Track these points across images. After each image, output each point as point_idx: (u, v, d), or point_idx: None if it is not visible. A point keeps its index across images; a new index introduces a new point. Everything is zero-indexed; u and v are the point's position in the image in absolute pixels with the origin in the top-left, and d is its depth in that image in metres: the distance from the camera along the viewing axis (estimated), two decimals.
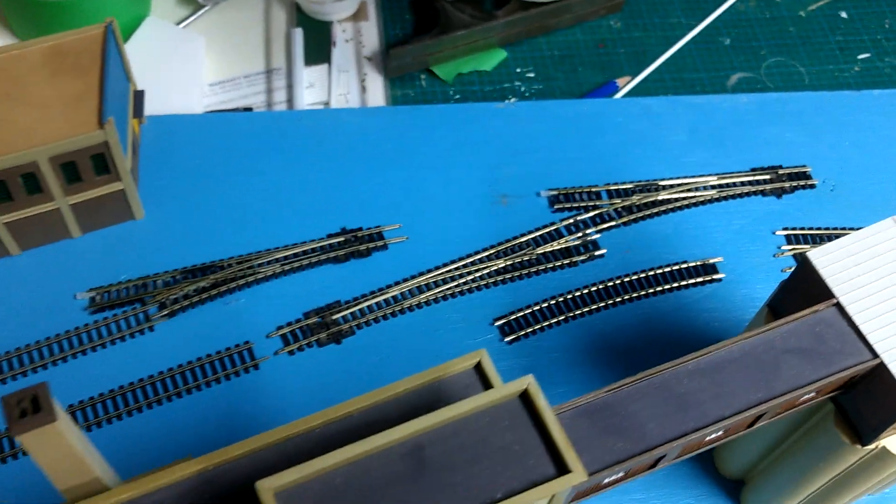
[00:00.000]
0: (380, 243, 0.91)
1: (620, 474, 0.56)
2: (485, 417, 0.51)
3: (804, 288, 0.64)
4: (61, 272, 0.87)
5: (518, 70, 1.12)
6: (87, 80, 0.84)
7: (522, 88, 1.10)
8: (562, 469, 0.49)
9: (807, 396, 0.61)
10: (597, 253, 0.93)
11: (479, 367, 0.57)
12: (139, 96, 0.94)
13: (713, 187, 0.98)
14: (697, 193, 0.97)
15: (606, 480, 0.56)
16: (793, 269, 0.89)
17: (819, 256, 0.63)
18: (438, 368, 0.57)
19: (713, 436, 0.58)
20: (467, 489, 0.49)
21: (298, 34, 1.10)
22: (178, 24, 1.11)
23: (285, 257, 0.89)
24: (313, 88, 1.07)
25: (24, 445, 0.47)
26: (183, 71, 1.07)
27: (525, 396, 0.52)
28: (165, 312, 0.85)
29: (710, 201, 0.97)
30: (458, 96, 1.08)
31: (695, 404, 0.57)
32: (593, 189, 0.97)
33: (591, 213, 0.95)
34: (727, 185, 0.98)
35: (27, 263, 0.87)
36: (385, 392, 0.56)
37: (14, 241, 0.86)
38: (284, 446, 0.54)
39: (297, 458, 0.50)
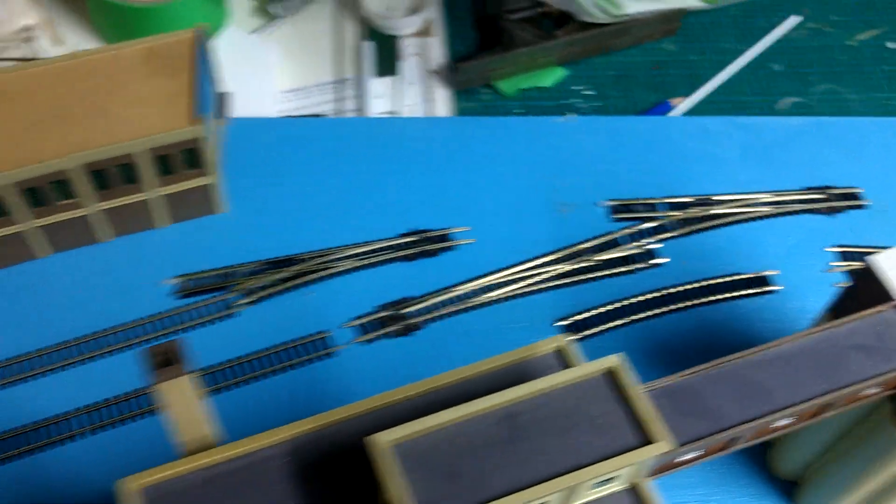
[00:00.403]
0: (447, 244, 0.96)
1: (696, 453, 0.60)
2: (574, 391, 0.55)
3: (866, 292, 0.68)
4: (150, 259, 0.92)
5: (576, 87, 1.17)
6: (179, 80, 0.90)
7: (581, 105, 1.14)
8: (647, 440, 0.53)
9: (870, 391, 0.65)
10: (654, 262, 0.97)
11: (559, 352, 0.61)
12: (223, 98, 0.99)
13: (766, 204, 1.02)
14: (751, 209, 1.01)
15: (682, 458, 0.60)
16: (846, 282, 0.92)
17: (881, 261, 0.67)
18: (523, 350, 0.62)
19: (782, 422, 0.62)
20: (558, 454, 0.53)
21: (369, 47, 1.16)
22: (253, 33, 1.17)
23: (358, 254, 0.94)
24: (381, 99, 1.12)
25: (160, 394, 0.52)
26: (257, 78, 1.12)
27: (611, 374, 0.56)
28: (248, 300, 0.90)
29: (764, 217, 1.01)
30: (518, 111, 1.13)
31: (766, 391, 0.61)
32: (650, 201, 1.01)
33: (649, 224, 0.99)
34: (780, 202, 1.02)
35: (119, 249, 0.92)
36: (473, 369, 0.61)
37: (109, 227, 0.91)
38: (382, 413, 0.58)
39: (394, 423, 0.54)
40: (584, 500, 0.55)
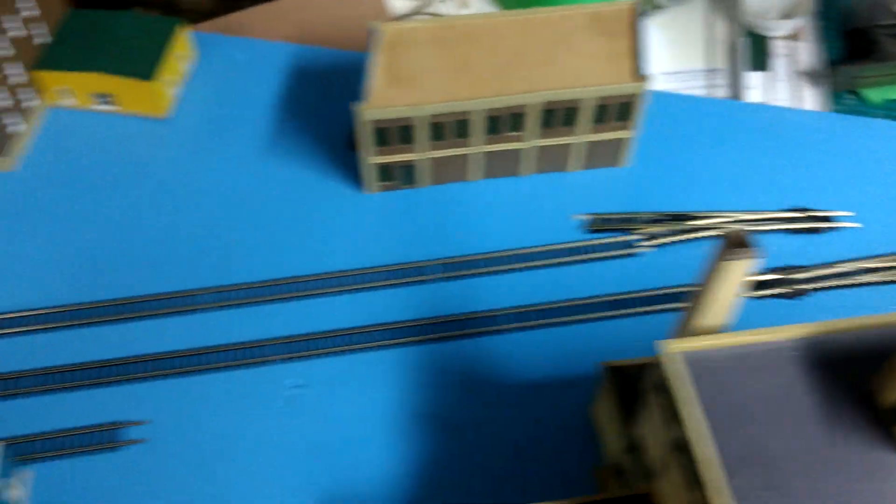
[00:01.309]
0: (832, 224, 1.03)
1: None
2: None
3: None
4: (562, 196, 1.04)
5: None
6: (619, 42, 1.01)
7: None
8: None
9: None
10: None
11: None
12: None
13: None
14: None
15: None
16: None
17: None
18: None
19: None
20: None
21: (745, 43, 1.25)
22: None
23: (746, 220, 1.03)
24: (754, 90, 1.21)
25: (720, 271, 0.62)
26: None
27: None
28: (650, 243, 1.00)
29: None
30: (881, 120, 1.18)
31: None
32: None
33: None
34: None
35: (536, 184, 1.05)
36: None
37: (533, 163, 1.04)
38: (865, 333, 0.67)
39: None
40: None
